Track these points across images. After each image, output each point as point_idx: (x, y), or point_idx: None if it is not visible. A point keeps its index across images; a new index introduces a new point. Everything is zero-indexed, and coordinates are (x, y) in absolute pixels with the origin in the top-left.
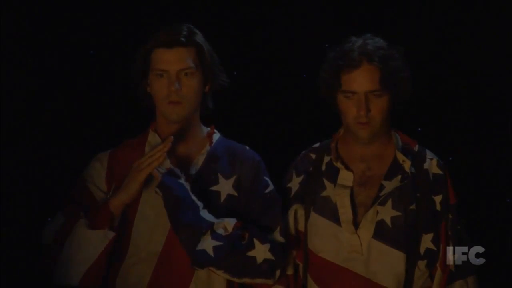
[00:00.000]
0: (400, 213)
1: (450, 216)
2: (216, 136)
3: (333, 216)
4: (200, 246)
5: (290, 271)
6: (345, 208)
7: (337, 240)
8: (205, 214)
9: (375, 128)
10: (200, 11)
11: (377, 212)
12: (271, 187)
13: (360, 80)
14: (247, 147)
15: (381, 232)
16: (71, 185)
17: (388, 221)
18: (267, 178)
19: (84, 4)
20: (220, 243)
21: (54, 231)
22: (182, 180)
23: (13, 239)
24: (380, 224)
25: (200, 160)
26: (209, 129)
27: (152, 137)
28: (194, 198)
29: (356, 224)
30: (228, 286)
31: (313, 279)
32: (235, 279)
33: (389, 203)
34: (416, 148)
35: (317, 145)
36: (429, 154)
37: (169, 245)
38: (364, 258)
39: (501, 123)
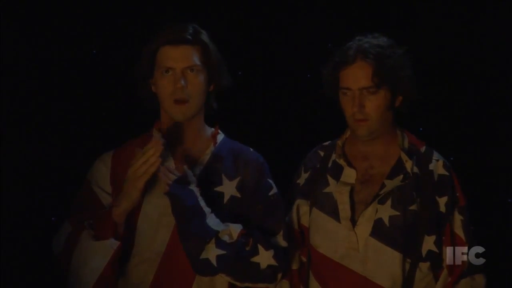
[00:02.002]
0: (398, 213)
1: (461, 218)
2: (221, 136)
3: (333, 212)
4: (203, 255)
5: (295, 266)
6: (344, 204)
7: (336, 236)
8: (211, 221)
9: (372, 125)
10: (205, 11)
11: (377, 211)
12: (274, 189)
13: (354, 76)
14: (251, 149)
15: (378, 231)
16: (75, 188)
17: (386, 220)
18: (270, 181)
19: (87, 3)
20: (223, 252)
21: (63, 240)
22: (192, 186)
23: (14, 239)
24: (378, 223)
25: (204, 160)
26: (213, 129)
27: (156, 137)
28: (202, 204)
29: (354, 221)
30: (230, 287)
31: (313, 274)
32: (238, 283)
33: (389, 202)
34: (423, 149)
35: (327, 143)
36: (435, 155)
37: (172, 245)
38: (361, 256)
39: (502, 123)
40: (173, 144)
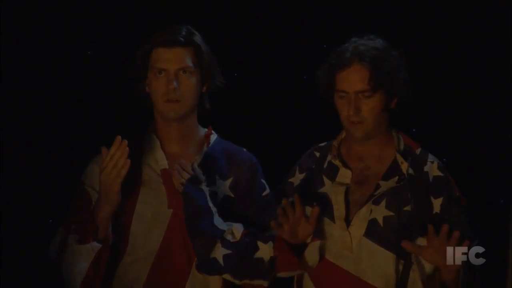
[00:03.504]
0: (393, 214)
1: (465, 216)
2: (214, 137)
3: (328, 212)
4: (212, 254)
5: None
6: (339, 204)
7: (330, 236)
8: (217, 221)
9: (368, 128)
10: (201, 12)
11: (371, 211)
12: (267, 190)
13: (350, 80)
14: (244, 149)
15: (372, 231)
16: (73, 189)
17: (380, 220)
18: (263, 181)
19: (83, 4)
20: (229, 251)
21: (57, 246)
22: (203, 186)
23: (11, 241)
24: (372, 223)
25: (197, 160)
26: (206, 129)
27: (149, 137)
28: (210, 204)
29: (349, 221)
30: (223, 284)
31: (308, 274)
32: (236, 281)
33: (383, 203)
34: (418, 151)
35: (323, 144)
36: (430, 157)
37: (166, 244)
38: (355, 256)
39: (496, 124)
40: (167, 144)
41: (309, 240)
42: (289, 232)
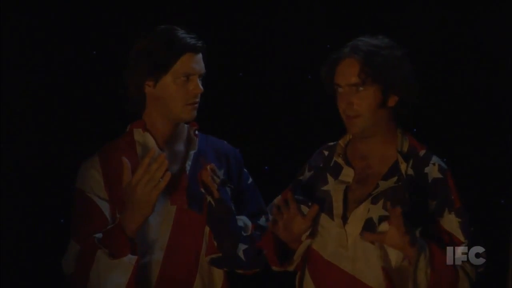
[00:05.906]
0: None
1: (459, 220)
2: (196, 131)
3: (329, 210)
4: (237, 251)
5: None
6: (337, 202)
7: (328, 233)
8: (237, 219)
9: (364, 124)
10: (205, 12)
11: (368, 210)
12: (250, 178)
13: (343, 73)
14: (225, 141)
15: (368, 230)
16: (71, 204)
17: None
18: (246, 170)
19: (87, 4)
20: (246, 246)
21: (73, 260)
22: (226, 186)
23: (23, 241)
24: (368, 222)
25: (191, 155)
26: (187, 125)
27: (141, 137)
28: (231, 204)
29: (346, 219)
30: (224, 274)
31: (308, 271)
32: (240, 271)
33: (381, 202)
34: (422, 152)
35: (333, 143)
36: (434, 159)
37: (173, 240)
38: (350, 255)
39: (496, 124)
40: (162, 142)
41: (304, 238)
42: (283, 228)
